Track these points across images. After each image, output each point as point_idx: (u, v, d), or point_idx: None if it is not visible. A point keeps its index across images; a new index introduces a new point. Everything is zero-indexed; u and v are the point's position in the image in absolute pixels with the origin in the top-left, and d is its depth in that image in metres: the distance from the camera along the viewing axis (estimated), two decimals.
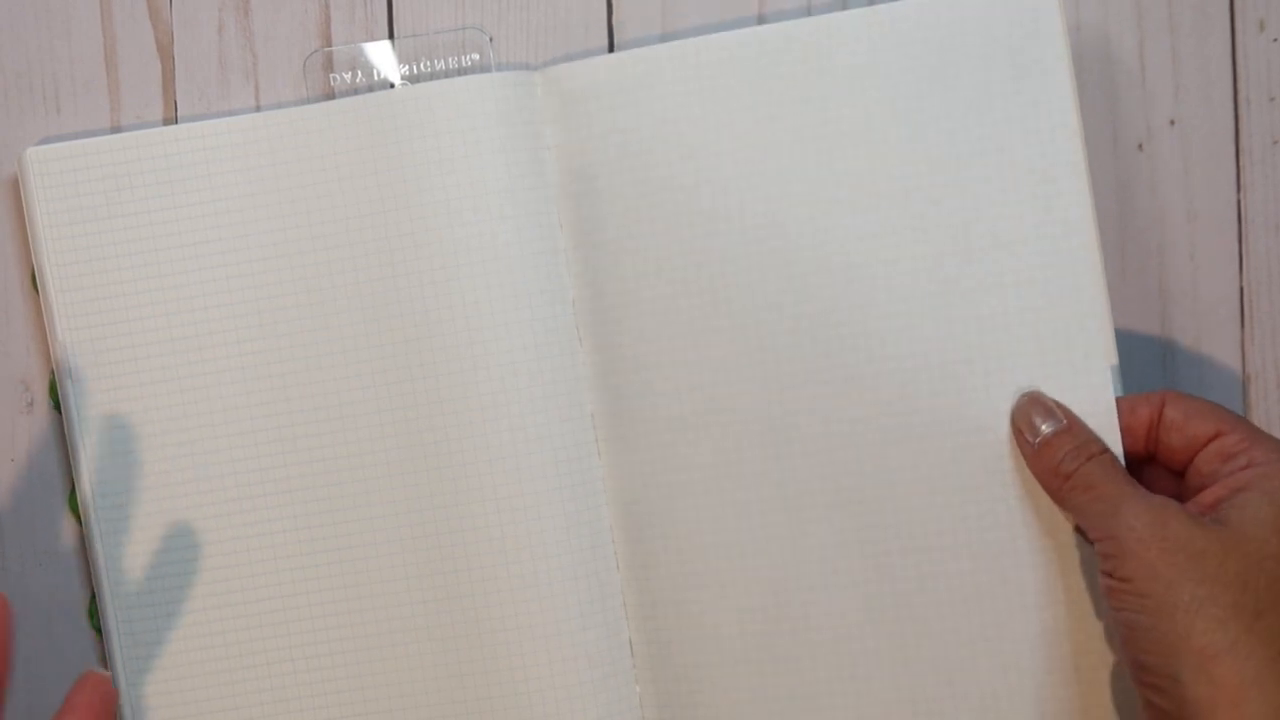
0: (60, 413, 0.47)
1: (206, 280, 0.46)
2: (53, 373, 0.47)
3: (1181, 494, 0.42)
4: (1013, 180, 0.44)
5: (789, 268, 0.44)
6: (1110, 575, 0.39)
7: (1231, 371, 0.48)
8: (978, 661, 0.43)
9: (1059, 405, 0.43)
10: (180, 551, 0.46)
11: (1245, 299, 0.48)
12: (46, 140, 0.48)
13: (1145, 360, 0.48)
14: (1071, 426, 0.42)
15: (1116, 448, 0.43)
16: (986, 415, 0.44)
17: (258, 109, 0.49)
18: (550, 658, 0.45)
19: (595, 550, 0.46)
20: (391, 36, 0.49)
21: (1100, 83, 0.48)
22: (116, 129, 0.49)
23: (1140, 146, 0.48)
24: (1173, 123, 0.48)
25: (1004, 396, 0.44)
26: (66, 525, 0.48)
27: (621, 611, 0.46)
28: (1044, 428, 0.42)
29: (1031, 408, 0.43)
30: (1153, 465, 0.44)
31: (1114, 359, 0.43)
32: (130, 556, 0.46)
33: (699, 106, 0.45)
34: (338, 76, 0.49)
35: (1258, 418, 0.48)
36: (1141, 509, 0.39)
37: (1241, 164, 0.48)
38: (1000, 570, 0.43)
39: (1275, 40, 0.48)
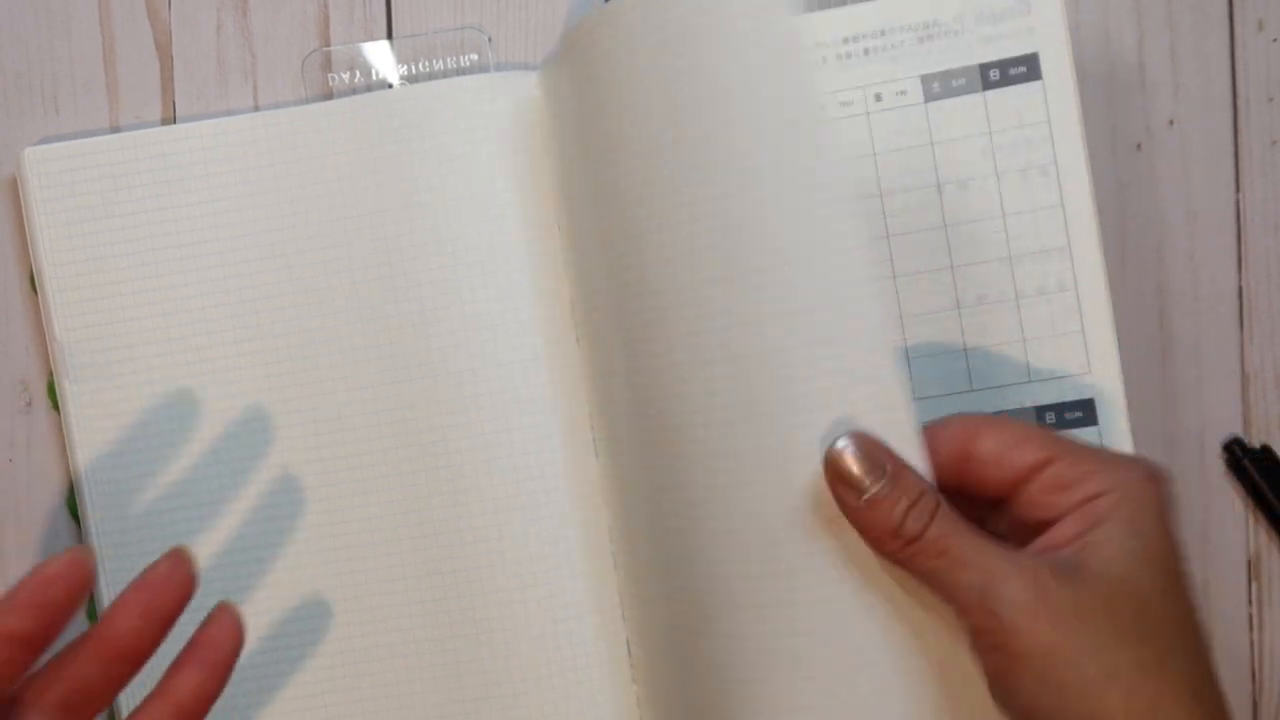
0: (59, 413, 0.47)
1: (205, 280, 0.46)
2: (51, 373, 0.47)
3: (993, 524, 0.38)
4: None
5: (787, 267, 0.44)
6: (993, 652, 0.35)
7: (1231, 371, 0.48)
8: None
9: (881, 447, 0.37)
10: None
11: (1244, 299, 0.48)
12: (45, 140, 0.48)
13: (1145, 360, 0.48)
14: (900, 476, 0.36)
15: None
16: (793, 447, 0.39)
17: (256, 109, 0.49)
18: (548, 658, 0.45)
19: (593, 550, 0.46)
20: (390, 36, 0.49)
21: (1100, 83, 0.48)
22: (115, 129, 0.49)
23: (1139, 146, 0.48)
24: (1172, 123, 0.48)
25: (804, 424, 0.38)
26: (66, 525, 0.48)
27: (619, 611, 0.46)
28: (867, 480, 0.36)
29: (845, 457, 0.37)
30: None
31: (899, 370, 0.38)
32: (130, 556, 0.46)
33: (692, 103, 0.45)
34: (336, 76, 0.49)
35: (1257, 417, 0.48)
36: (1018, 579, 0.35)
37: (1240, 164, 0.48)
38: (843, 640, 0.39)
39: (1274, 40, 0.48)
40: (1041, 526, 0.37)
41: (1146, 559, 0.35)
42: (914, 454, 0.37)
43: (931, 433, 0.38)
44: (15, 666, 0.35)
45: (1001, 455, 0.37)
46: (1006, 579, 0.35)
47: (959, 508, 0.37)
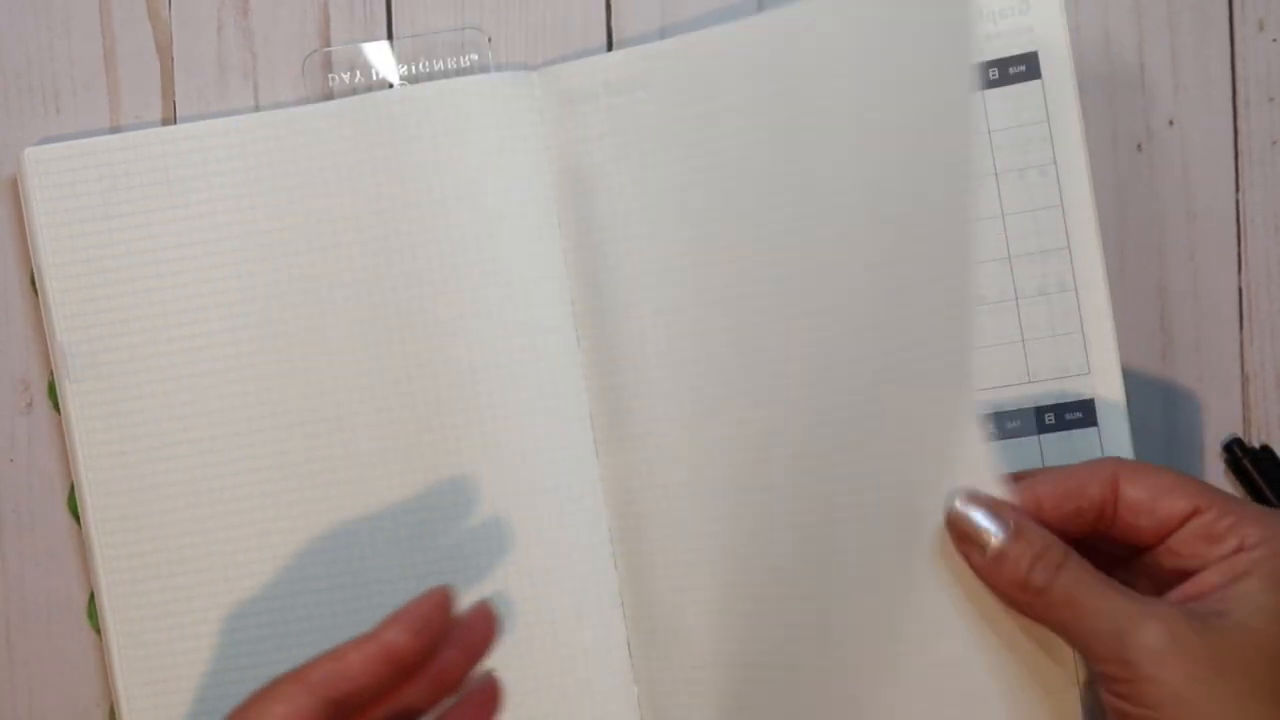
0: (60, 413, 0.47)
1: (205, 280, 0.46)
2: (52, 373, 0.47)
3: (1123, 573, 0.38)
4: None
5: (785, 268, 0.44)
6: (1125, 699, 0.35)
7: (1231, 371, 0.48)
8: None
9: (1001, 504, 0.37)
10: (180, 552, 0.46)
11: (1245, 299, 0.48)
12: (46, 140, 0.48)
13: (1145, 360, 0.48)
14: (1023, 530, 0.37)
15: None
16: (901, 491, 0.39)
17: (257, 109, 0.49)
18: (548, 657, 0.45)
19: (593, 550, 0.46)
20: (390, 37, 0.49)
21: (1100, 83, 0.48)
22: (116, 129, 0.49)
23: (1140, 147, 0.48)
24: (1172, 123, 0.48)
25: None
26: (66, 525, 0.48)
27: (620, 611, 0.46)
28: (993, 536, 0.37)
29: (970, 512, 0.37)
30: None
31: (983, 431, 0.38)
32: (130, 557, 0.46)
33: (695, 105, 0.45)
34: (336, 77, 0.49)
35: (1257, 418, 0.48)
36: (1153, 626, 0.35)
37: (1240, 164, 0.48)
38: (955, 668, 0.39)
39: (1275, 40, 0.48)
40: (1182, 577, 0.37)
41: None
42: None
43: (1081, 474, 0.38)
44: (382, 682, 0.36)
45: (1151, 503, 0.37)
46: (1142, 626, 0.35)
47: (1092, 553, 0.37)
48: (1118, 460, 0.38)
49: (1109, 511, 0.38)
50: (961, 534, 0.38)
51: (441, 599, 0.36)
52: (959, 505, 0.37)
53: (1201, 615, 0.35)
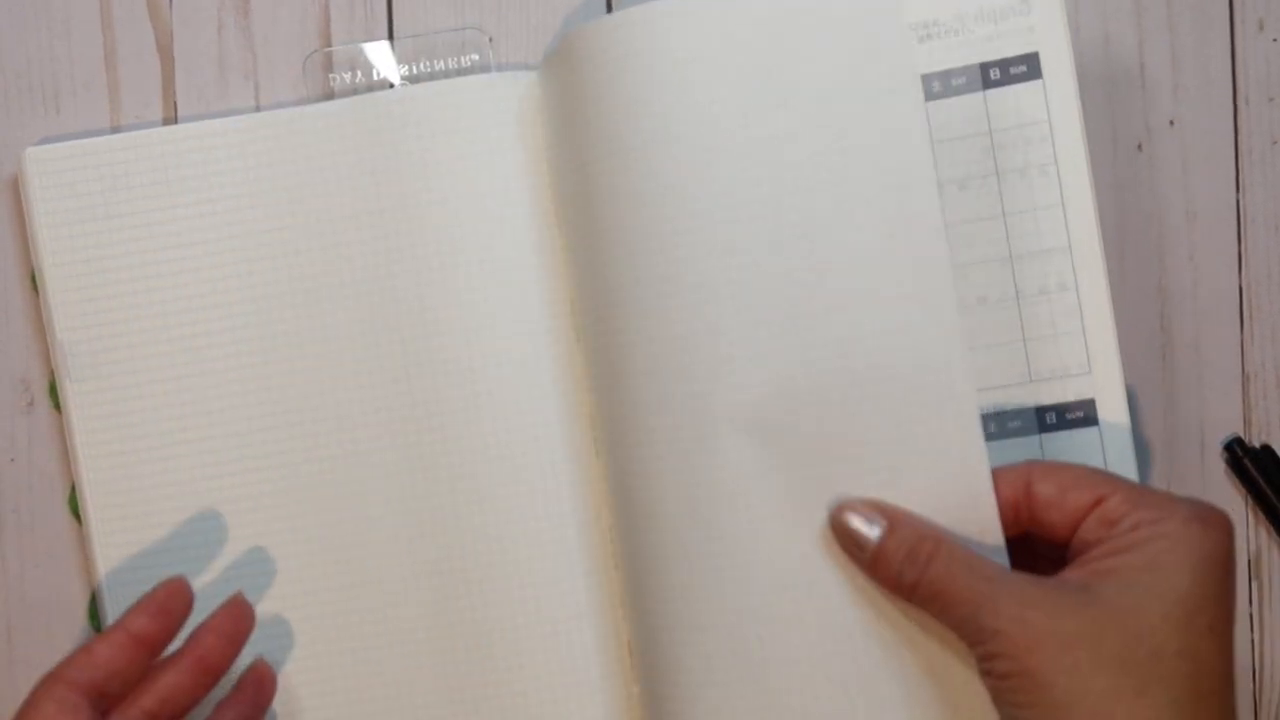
0: (60, 412, 0.47)
1: (205, 280, 0.46)
2: (52, 373, 0.47)
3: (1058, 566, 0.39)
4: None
5: (780, 265, 0.44)
6: (988, 674, 0.37)
7: (1231, 371, 0.48)
8: None
9: (878, 505, 0.40)
10: (180, 552, 0.46)
11: (1245, 299, 0.48)
12: (46, 140, 0.48)
13: (1145, 361, 0.48)
14: (894, 527, 0.39)
15: (994, 526, 0.40)
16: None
17: (257, 109, 0.49)
18: (548, 657, 0.45)
19: (593, 550, 0.46)
20: (391, 37, 0.49)
21: (1100, 83, 0.48)
22: (116, 129, 0.49)
23: (1140, 147, 0.48)
24: (1172, 123, 0.48)
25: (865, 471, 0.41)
26: (66, 525, 0.48)
27: (620, 611, 0.46)
28: (870, 534, 0.39)
29: (847, 517, 0.40)
30: (1030, 541, 0.40)
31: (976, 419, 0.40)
32: (130, 556, 0.46)
33: (692, 104, 0.45)
34: (337, 76, 0.49)
35: (1257, 417, 0.48)
36: (998, 606, 0.36)
37: (1241, 164, 0.48)
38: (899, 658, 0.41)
39: (1275, 40, 0.48)
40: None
41: (1159, 593, 0.36)
42: (984, 494, 0.40)
43: (995, 475, 0.40)
44: (136, 666, 0.40)
45: (1060, 497, 0.38)
46: (994, 601, 0.36)
47: (1031, 554, 0.39)
48: (1033, 462, 0.40)
49: (1024, 512, 0.39)
50: (845, 538, 0.40)
51: (177, 587, 0.41)
52: (837, 511, 0.40)
53: (1068, 590, 0.36)
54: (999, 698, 0.37)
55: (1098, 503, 0.38)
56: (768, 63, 0.42)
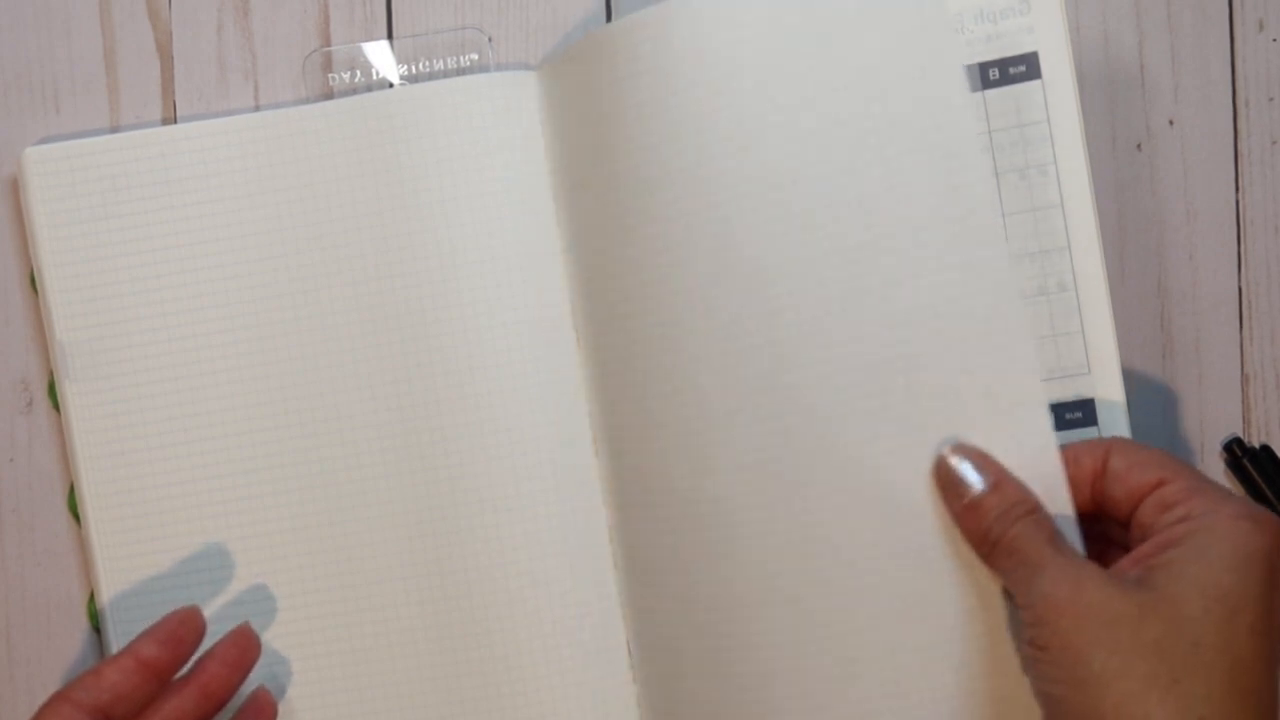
0: (60, 413, 0.47)
1: (205, 280, 0.46)
2: (52, 373, 0.47)
3: (1129, 549, 0.39)
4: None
5: (779, 265, 0.44)
6: (1029, 644, 0.37)
7: (1231, 371, 0.48)
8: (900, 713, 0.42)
9: (988, 459, 0.40)
10: (179, 551, 0.46)
11: (1244, 299, 0.48)
12: (46, 140, 0.48)
13: (1145, 361, 0.48)
14: (1000, 484, 0.39)
15: (1063, 498, 0.39)
16: (910, 464, 0.41)
17: (257, 109, 0.49)
18: (547, 657, 0.45)
19: (592, 550, 0.46)
20: (391, 36, 0.49)
21: (1100, 83, 0.48)
22: (116, 129, 0.49)
23: (1139, 147, 0.48)
24: (1172, 123, 0.48)
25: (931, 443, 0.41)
26: (66, 525, 0.48)
27: (619, 611, 0.46)
28: (973, 487, 0.39)
29: (957, 462, 0.40)
30: (1102, 523, 0.41)
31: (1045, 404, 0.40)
32: (130, 556, 0.46)
33: (689, 102, 0.45)
34: (337, 76, 0.49)
35: (1257, 418, 0.48)
36: (1058, 575, 0.37)
37: (1240, 164, 0.48)
38: (925, 624, 0.41)
39: (1274, 40, 0.48)
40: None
41: (1202, 586, 0.36)
42: (1052, 471, 0.39)
43: (1078, 447, 0.40)
44: (142, 692, 0.40)
45: (1126, 473, 0.39)
46: (1050, 576, 0.37)
47: (1111, 534, 0.40)
48: (1115, 438, 0.40)
49: (1099, 484, 0.39)
50: (946, 480, 0.40)
51: (188, 615, 0.42)
52: (949, 454, 0.40)
53: (1125, 580, 0.37)
54: (1034, 670, 0.38)
55: (1159, 484, 0.38)
56: (816, 51, 0.42)
